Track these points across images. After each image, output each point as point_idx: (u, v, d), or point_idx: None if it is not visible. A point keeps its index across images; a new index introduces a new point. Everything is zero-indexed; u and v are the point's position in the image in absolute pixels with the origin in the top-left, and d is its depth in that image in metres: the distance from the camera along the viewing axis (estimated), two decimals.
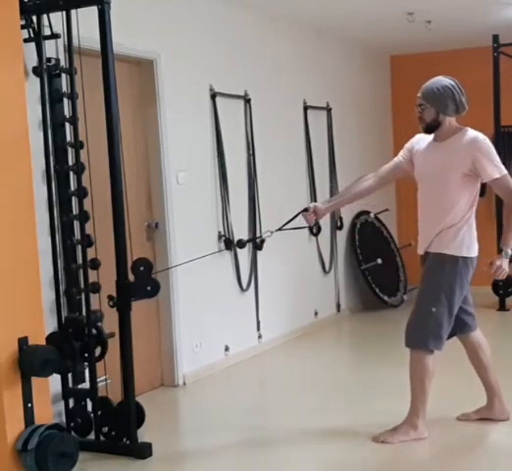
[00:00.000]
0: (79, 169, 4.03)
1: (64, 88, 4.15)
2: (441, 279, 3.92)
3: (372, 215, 7.90)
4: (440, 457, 3.91)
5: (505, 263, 3.88)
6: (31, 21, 3.98)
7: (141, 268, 3.89)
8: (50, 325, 4.04)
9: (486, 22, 6.93)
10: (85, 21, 3.92)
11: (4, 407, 3.43)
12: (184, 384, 5.27)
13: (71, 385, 4.11)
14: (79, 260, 4.11)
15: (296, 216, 4.24)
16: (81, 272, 4.07)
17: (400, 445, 3.94)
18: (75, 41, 3.95)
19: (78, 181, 4.03)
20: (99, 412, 4.02)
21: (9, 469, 3.46)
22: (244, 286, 5.97)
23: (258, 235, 5.95)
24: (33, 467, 3.46)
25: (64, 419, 4.12)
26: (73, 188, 4.14)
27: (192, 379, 5.32)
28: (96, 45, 3.85)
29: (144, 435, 4.07)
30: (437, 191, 3.93)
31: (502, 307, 7.32)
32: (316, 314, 7.04)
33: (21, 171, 3.59)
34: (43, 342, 3.67)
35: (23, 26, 3.84)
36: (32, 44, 3.99)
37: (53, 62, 4.14)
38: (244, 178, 6.04)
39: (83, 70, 4.11)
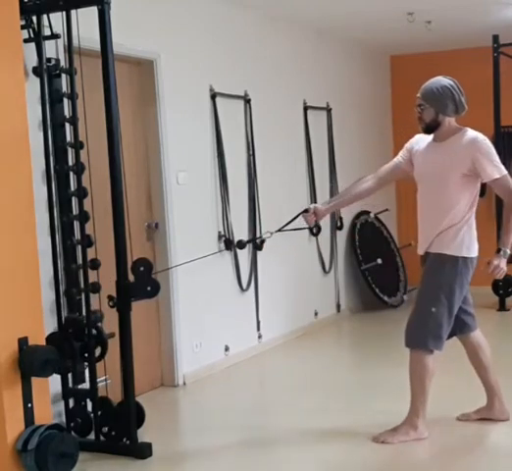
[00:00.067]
0: (79, 169, 4.03)
1: (64, 88, 4.15)
2: (441, 279, 3.92)
3: (372, 215, 7.90)
4: (440, 457, 3.91)
5: (503, 262, 3.88)
6: (31, 21, 3.98)
7: (141, 268, 3.89)
8: (50, 325, 4.04)
9: (486, 22, 6.93)
10: (85, 21, 3.92)
11: (4, 407, 3.43)
12: (184, 384, 5.27)
13: (71, 385, 4.11)
14: (79, 260, 4.11)
15: (296, 217, 4.24)
16: (81, 272, 4.07)
17: (400, 446, 3.94)
18: (75, 41, 3.95)
19: (78, 181, 4.03)
20: (99, 412, 4.02)
21: (9, 469, 3.46)
22: (244, 286, 5.97)
23: (258, 235, 5.95)
24: (33, 467, 3.46)
25: (64, 419, 4.12)
26: (73, 189, 4.14)
27: (192, 379, 5.32)
28: (96, 45, 3.85)
29: (144, 435, 4.07)
30: (437, 192, 3.93)
31: (502, 307, 7.32)
32: (316, 314, 7.04)
33: (21, 171, 3.59)
34: (43, 343, 3.67)
35: (23, 27, 3.84)
36: (32, 44, 3.99)
37: (53, 62, 4.14)
38: (244, 178, 6.04)
39: (83, 70, 4.11)
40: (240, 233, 5.88)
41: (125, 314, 3.91)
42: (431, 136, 4.02)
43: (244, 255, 5.98)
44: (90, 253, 4.07)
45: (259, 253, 6.11)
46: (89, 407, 4.08)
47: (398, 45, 8.05)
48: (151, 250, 5.13)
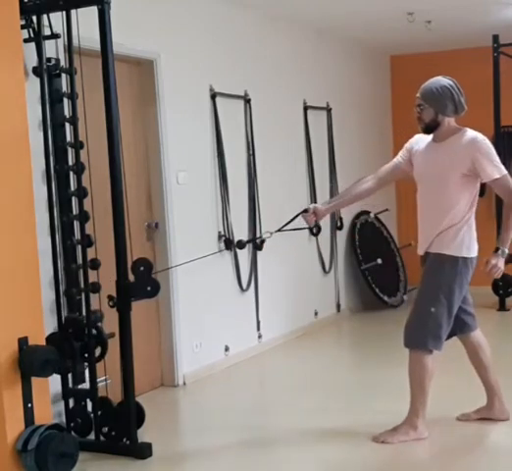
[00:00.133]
0: (79, 169, 4.03)
1: (64, 88, 4.15)
2: (441, 279, 3.92)
3: (372, 215, 7.90)
4: (440, 457, 3.91)
5: (501, 262, 3.88)
6: (31, 21, 3.98)
7: (141, 268, 3.89)
8: (50, 325, 4.04)
9: (486, 22, 6.93)
10: (85, 21, 3.92)
11: (4, 407, 3.43)
12: (184, 384, 5.27)
13: (71, 385, 4.11)
14: (79, 260, 4.11)
15: (296, 217, 4.24)
16: (81, 272, 4.07)
17: (400, 446, 3.94)
18: (75, 41, 3.95)
19: (78, 181, 4.03)
20: (99, 412, 4.02)
21: (9, 469, 3.46)
22: (244, 286, 5.97)
23: (258, 235, 5.95)
24: (33, 467, 3.46)
25: (64, 419, 4.12)
26: (73, 188, 4.14)
27: (192, 379, 5.32)
28: (96, 45, 3.85)
29: (144, 435, 4.07)
30: (437, 192, 3.93)
31: (502, 307, 7.32)
32: (316, 314, 7.04)
33: (21, 171, 3.59)
34: (43, 343, 3.67)
35: (23, 26, 3.84)
36: (32, 44, 3.99)
37: (53, 62, 4.14)
38: (244, 178, 6.04)
39: (83, 70, 4.11)
40: (240, 233, 5.88)
41: (125, 314, 3.91)
42: (430, 136, 4.02)
43: (244, 255, 5.98)
44: (90, 253, 4.07)
45: (259, 253, 6.11)
46: (89, 407, 4.08)
47: (398, 45, 8.05)
48: (151, 250, 5.13)
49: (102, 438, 4.03)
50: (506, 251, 3.89)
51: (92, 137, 4.13)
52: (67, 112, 4.14)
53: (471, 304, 4.14)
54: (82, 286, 4.07)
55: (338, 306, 7.44)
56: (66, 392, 4.10)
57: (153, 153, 5.12)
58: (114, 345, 4.00)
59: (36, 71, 4.04)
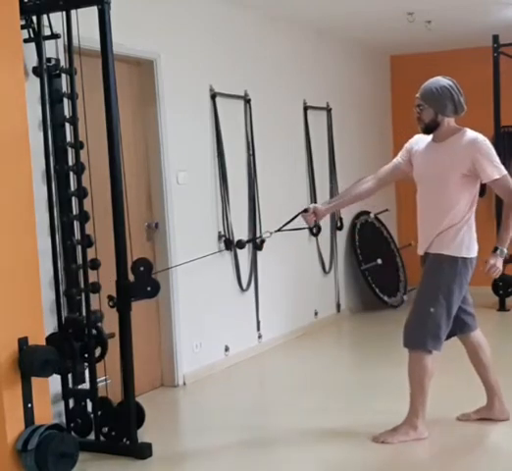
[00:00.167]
0: (79, 169, 4.03)
1: (64, 88, 4.15)
2: (440, 279, 3.92)
3: (372, 215, 7.90)
4: (440, 457, 3.91)
5: (500, 262, 3.89)
6: (31, 21, 3.98)
7: (141, 268, 3.89)
8: (50, 325, 4.04)
9: (486, 22, 6.93)
10: (85, 21, 3.92)
11: (4, 407, 3.43)
12: (184, 384, 5.27)
13: (71, 385, 4.11)
14: (79, 260, 4.11)
15: (296, 217, 4.24)
16: (81, 272, 4.07)
17: (400, 446, 3.94)
18: (75, 41, 3.95)
19: (78, 181, 4.03)
20: (99, 412, 4.02)
21: (9, 469, 3.46)
22: (244, 286, 5.97)
23: (258, 235, 5.95)
24: (33, 467, 3.46)
25: (64, 419, 4.12)
26: (73, 189, 4.14)
27: (192, 379, 5.32)
28: (96, 45, 3.85)
29: (144, 435, 4.07)
30: (437, 192, 3.93)
31: (502, 307, 7.32)
32: (316, 314, 7.04)
33: (21, 171, 3.59)
34: (43, 343, 3.67)
35: (23, 27, 3.84)
36: (32, 44, 3.99)
37: (53, 62, 4.14)
38: (244, 178, 6.04)
39: (83, 70, 4.11)
40: (240, 232, 5.88)
41: (125, 314, 3.91)
42: (430, 137, 4.02)
43: (244, 255, 5.98)
44: (90, 253, 4.07)
45: (259, 253, 6.11)
46: (89, 407, 4.08)
47: (398, 45, 8.05)
48: (151, 250, 5.13)
49: (102, 438, 4.03)
50: (505, 251, 3.90)
51: (92, 137, 4.13)
52: (67, 112, 4.14)
53: (471, 304, 4.14)
54: (82, 286, 4.07)
55: (338, 306, 7.44)
56: (66, 393, 4.10)
57: (153, 153, 5.12)
58: (114, 345, 4.00)
59: (36, 71, 4.04)
